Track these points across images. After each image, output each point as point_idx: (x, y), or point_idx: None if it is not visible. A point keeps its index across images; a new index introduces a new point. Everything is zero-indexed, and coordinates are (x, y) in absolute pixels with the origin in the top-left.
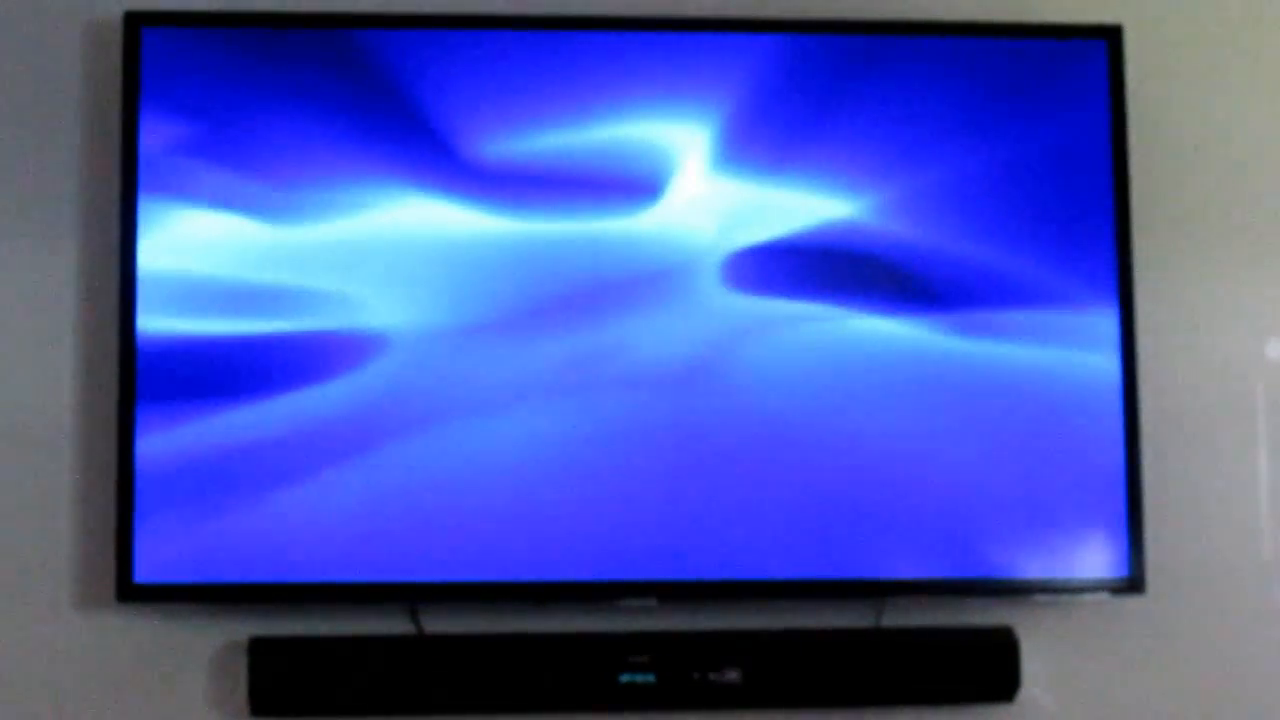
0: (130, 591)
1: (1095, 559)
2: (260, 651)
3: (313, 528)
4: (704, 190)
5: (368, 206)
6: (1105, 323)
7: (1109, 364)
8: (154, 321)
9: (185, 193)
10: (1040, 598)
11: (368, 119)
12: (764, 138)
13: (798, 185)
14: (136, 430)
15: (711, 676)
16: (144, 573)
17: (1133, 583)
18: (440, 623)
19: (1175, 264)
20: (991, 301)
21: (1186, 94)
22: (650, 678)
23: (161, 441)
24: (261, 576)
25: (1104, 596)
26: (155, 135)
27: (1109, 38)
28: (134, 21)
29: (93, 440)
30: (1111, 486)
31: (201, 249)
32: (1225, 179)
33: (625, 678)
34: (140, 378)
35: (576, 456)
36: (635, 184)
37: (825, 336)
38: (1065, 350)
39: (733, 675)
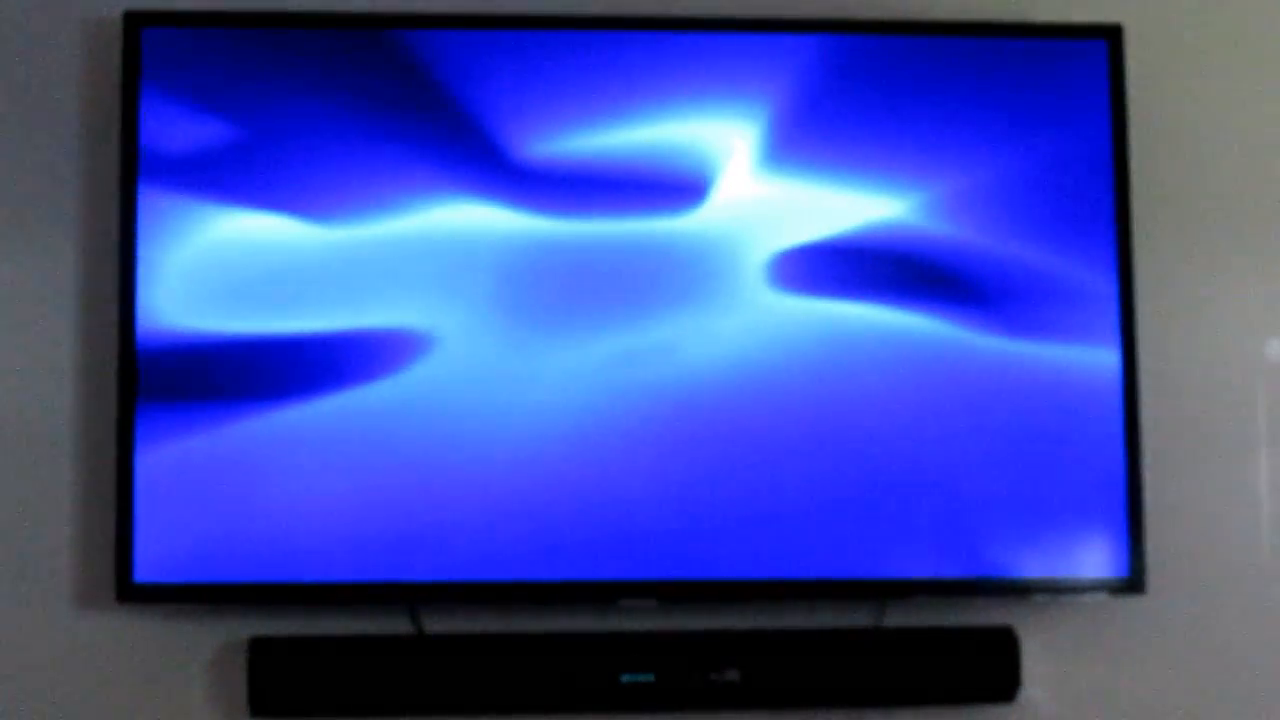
0: (130, 591)
1: (1095, 559)
2: (260, 651)
3: (313, 527)
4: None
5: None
6: (1105, 322)
7: (1109, 363)
8: (156, 321)
9: (193, 192)
10: (1040, 598)
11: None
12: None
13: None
14: (137, 430)
15: (711, 676)
16: (144, 572)
17: (1132, 583)
18: (440, 623)
19: (1176, 263)
20: (991, 300)
21: (1187, 93)
22: (650, 678)
23: (162, 442)
24: (261, 576)
25: (1104, 596)
26: (165, 134)
27: (1109, 38)
28: (134, 21)
29: (93, 440)
30: (1112, 487)
31: (209, 249)
32: (1226, 179)
33: (625, 678)
34: (141, 377)
35: (578, 457)
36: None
37: (830, 334)
38: (1066, 349)
39: (733, 675)
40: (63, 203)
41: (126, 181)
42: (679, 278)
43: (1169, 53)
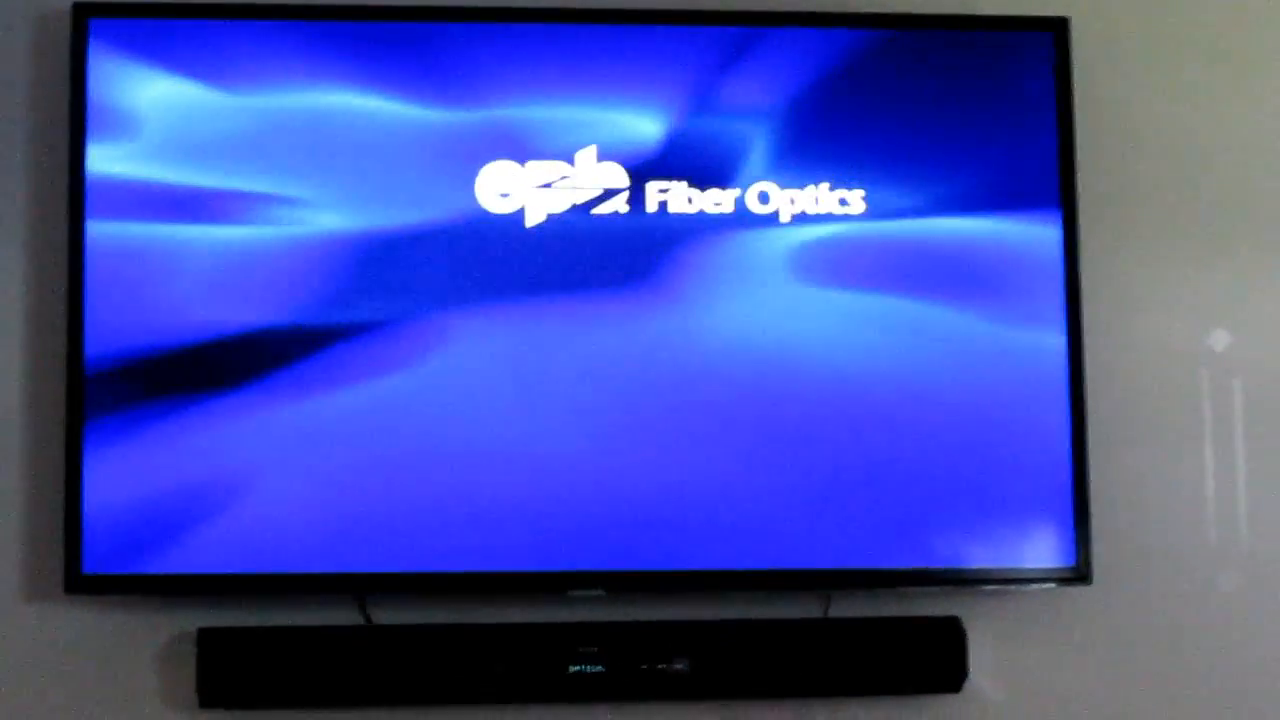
0: (78, 583)
1: (1042, 549)
2: (209, 643)
3: (261, 519)
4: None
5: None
6: (1051, 312)
7: (1055, 354)
8: (104, 315)
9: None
10: (987, 588)
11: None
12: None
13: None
14: (85, 420)
15: (660, 667)
16: (92, 564)
17: (1079, 573)
18: (388, 614)
19: (1121, 255)
20: (934, 291)
21: (1132, 85)
22: (599, 668)
23: (110, 432)
24: (210, 568)
25: (1050, 587)
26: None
27: (1055, 29)
28: (82, 13)
29: (40, 431)
30: (1058, 477)
31: (157, 245)
32: (1172, 170)
33: (574, 668)
34: (89, 368)
35: (525, 447)
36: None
37: (770, 326)
38: (1012, 341)
39: (681, 665)
40: (10, 200)
41: (75, 177)
42: (627, 266)
43: (1115, 45)
